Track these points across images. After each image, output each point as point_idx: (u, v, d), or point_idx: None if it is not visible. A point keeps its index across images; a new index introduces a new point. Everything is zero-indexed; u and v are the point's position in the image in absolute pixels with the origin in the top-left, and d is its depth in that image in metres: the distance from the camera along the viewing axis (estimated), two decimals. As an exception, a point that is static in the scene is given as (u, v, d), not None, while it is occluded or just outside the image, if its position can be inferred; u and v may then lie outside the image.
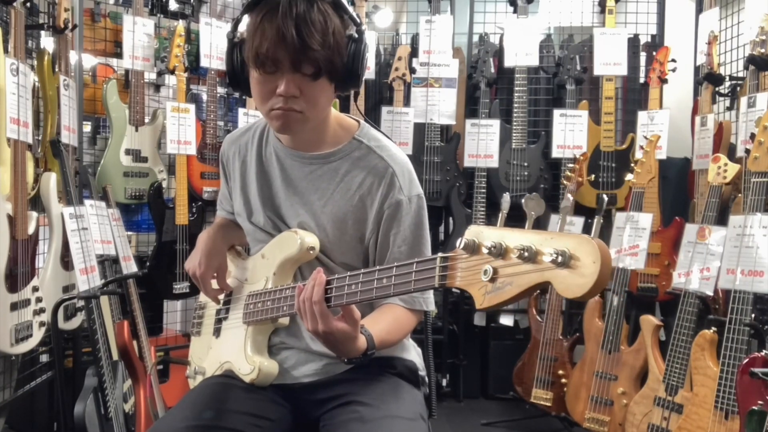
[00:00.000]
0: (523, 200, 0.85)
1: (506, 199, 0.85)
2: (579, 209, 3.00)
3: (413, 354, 1.38)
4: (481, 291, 0.82)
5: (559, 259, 0.74)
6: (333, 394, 1.25)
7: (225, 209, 1.51)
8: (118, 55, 2.88)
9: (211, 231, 1.44)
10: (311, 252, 1.25)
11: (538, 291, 3.02)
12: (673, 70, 2.91)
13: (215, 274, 1.38)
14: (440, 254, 0.90)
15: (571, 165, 2.96)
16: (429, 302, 1.31)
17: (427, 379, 1.40)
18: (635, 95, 3.30)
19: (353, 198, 1.26)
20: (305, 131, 1.24)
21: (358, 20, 1.18)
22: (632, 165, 2.70)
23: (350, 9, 1.17)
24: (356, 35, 1.15)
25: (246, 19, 1.15)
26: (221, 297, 1.41)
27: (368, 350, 1.13)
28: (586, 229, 2.86)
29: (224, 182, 1.46)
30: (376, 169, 1.25)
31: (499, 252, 0.80)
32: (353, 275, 1.06)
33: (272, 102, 1.15)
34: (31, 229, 2.03)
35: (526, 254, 0.77)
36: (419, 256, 1.24)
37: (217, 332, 1.41)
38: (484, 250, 0.82)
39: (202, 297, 1.51)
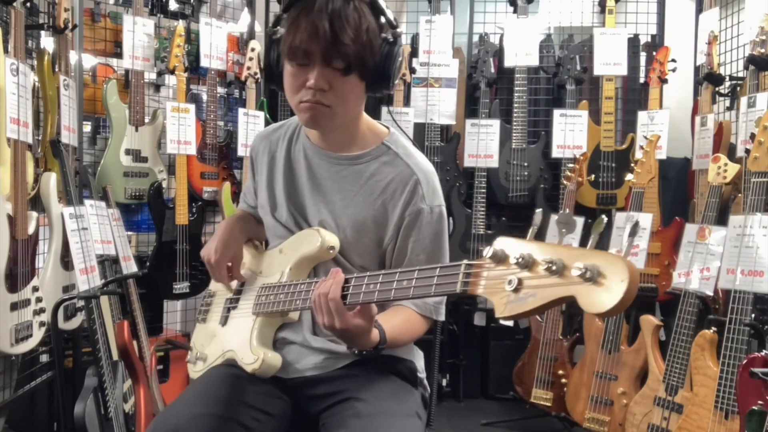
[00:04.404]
0: (555, 217, 0.85)
1: (538, 215, 0.85)
2: (579, 209, 3.00)
3: (415, 356, 1.39)
4: (502, 300, 0.82)
5: (587, 274, 0.73)
6: (332, 390, 1.26)
7: (247, 202, 1.53)
8: (118, 55, 2.87)
9: (231, 220, 1.46)
10: (331, 252, 1.26)
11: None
12: (673, 70, 2.91)
13: (229, 264, 1.39)
14: (465, 261, 0.90)
15: (571, 165, 2.97)
16: (440, 312, 1.31)
17: (426, 381, 1.40)
18: (635, 95, 3.30)
19: (375, 202, 1.27)
20: (334, 129, 1.26)
21: (395, 23, 1.20)
22: (632, 165, 2.70)
23: (388, 12, 1.19)
24: (391, 38, 1.18)
25: (284, 16, 1.18)
26: (233, 285, 1.43)
27: (379, 344, 1.15)
28: (586, 229, 2.85)
29: (251, 177, 1.48)
30: (400, 176, 1.27)
31: (527, 264, 0.80)
32: (372, 275, 1.06)
33: (302, 94, 1.17)
34: (31, 229, 2.03)
35: (553, 267, 0.77)
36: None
37: (224, 320, 1.42)
38: (512, 260, 0.81)
39: (213, 285, 1.53)
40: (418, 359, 1.40)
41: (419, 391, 1.35)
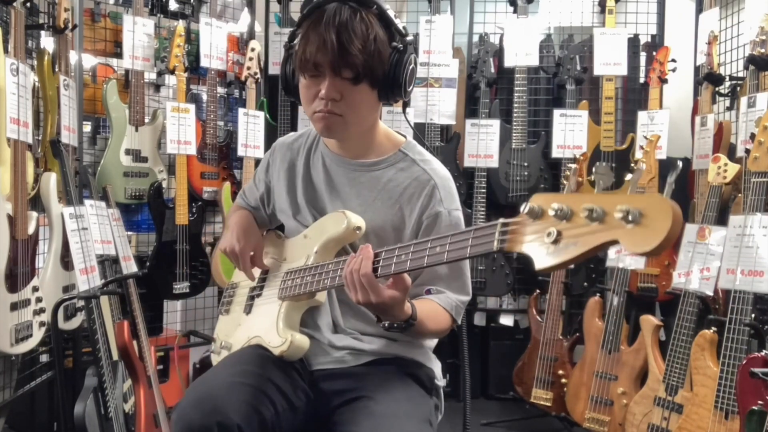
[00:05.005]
0: (593, 169, 0.84)
1: (573, 171, 0.88)
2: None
3: (433, 363, 1.40)
4: (542, 252, 0.81)
5: (630, 216, 0.73)
6: (349, 386, 1.27)
7: (246, 200, 1.55)
8: (118, 55, 2.88)
9: (243, 212, 1.49)
10: (357, 232, 1.27)
11: (537, 291, 3.03)
12: (673, 70, 2.91)
13: (252, 253, 1.40)
14: (502, 219, 0.90)
15: (571, 165, 2.96)
16: (460, 312, 1.32)
17: (442, 391, 1.41)
18: (635, 95, 3.30)
19: (393, 207, 1.30)
20: (350, 137, 1.29)
21: (405, 32, 1.23)
22: (632, 165, 2.70)
23: (397, 22, 1.23)
24: (401, 46, 1.21)
25: (298, 32, 1.23)
26: (257, 275, 1.44)
27: (411, 318, 1.16)
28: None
29: (262, 177, 1.49)
30: (417, 181, 1.30)
31: (565, 215, 0.79)
32: (403, 246, 1.07)
33: (315, 105, 1.21)
34: (31, 229, 2.03)
35: (594, 214, 0.76)
36: (456, 269, 1.29)
37: (248, 309, 1.43)
38: (551, 213, 0.81)
39: (235, 277, 1.54)
40: (436, 367, 1.41)
41: (433, 400, 1.35)
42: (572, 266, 2.63)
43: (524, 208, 0.84)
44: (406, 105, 1.32)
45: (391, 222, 1.30)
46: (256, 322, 1.37)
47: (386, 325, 1.16)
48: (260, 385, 1.20)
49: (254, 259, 1.41)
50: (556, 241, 0.79)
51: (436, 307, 1.28)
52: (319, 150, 1.40)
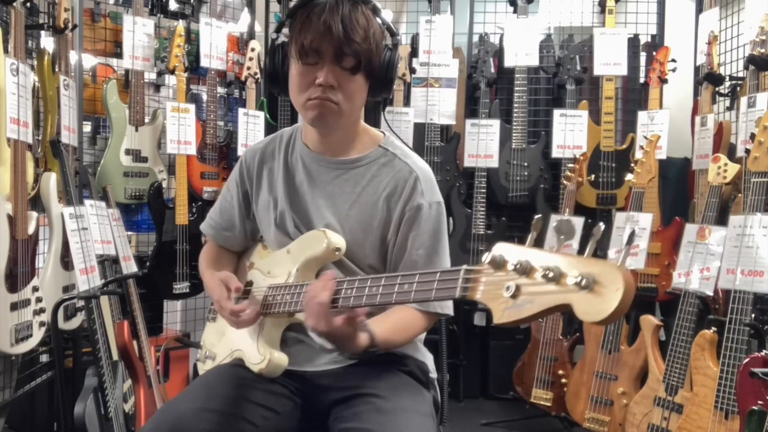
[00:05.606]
0: (553, 223, 0.84)
1: (538, 221, 0.85)
2: (579, 209, 3.00)
3: (426, 356, 1.40)
4: (501, 306, 0.82)
5: (583, 282, 0.74)
6: (344, 384, 1.27)
7: (216, 223, 1.48)
8: (118, 55, 2.88)
9: (208, 272, 1.43)
10: (337, 253, 1.27)
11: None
12: (673, 70, 2.91)
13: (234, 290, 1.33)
14: (465, 266, 0.91)
15: (571, 165, 2.96)
16: (445, 306, 1.31)
17: (437, 383, 1.41)
18: (635, 95, 3.30)
19: (378, 200, 1.30)
20: (338, 128, 1.29)
21: (395, 31, 1.27)
22: (632, 165, 2.70)
23: (388, 21, 1.27)
24: (391, 45, 1.26)
25: (289, 22, 1.24)
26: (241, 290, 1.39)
27: (370, 347, 1.14)
28: (587, 229, 2.85)
29: (236, 189, 1.45)
30: (400, 173, 1.30)
31: (524, 270, 0.80)
32: (375, 278, 1.06)
33: (310, 92, 1.21)
34: (31, 229, 2.03)
35: (550, 275, 0.77)
36: (437, 262, 1.29)
37: None
38: (510, 266, 0.82)
39: None
40: (429, 360, 1.40)
41: (431, 393, 1.35)
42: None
43: (486, 257, 0.86)
44: (386, 102, 1.35)
45: (378, 216, 1.30)
46: (239, 335, 1.36)
47: (347, 356, 1.16)
48: (229, 408, 1.20)
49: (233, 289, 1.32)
50: (514, 296, 0.81)
51: (406, 315, 1.25)
52: (296, 151, 1.38)
